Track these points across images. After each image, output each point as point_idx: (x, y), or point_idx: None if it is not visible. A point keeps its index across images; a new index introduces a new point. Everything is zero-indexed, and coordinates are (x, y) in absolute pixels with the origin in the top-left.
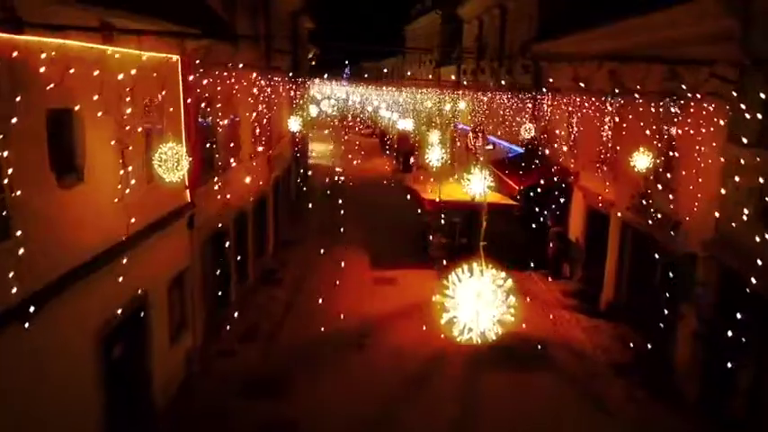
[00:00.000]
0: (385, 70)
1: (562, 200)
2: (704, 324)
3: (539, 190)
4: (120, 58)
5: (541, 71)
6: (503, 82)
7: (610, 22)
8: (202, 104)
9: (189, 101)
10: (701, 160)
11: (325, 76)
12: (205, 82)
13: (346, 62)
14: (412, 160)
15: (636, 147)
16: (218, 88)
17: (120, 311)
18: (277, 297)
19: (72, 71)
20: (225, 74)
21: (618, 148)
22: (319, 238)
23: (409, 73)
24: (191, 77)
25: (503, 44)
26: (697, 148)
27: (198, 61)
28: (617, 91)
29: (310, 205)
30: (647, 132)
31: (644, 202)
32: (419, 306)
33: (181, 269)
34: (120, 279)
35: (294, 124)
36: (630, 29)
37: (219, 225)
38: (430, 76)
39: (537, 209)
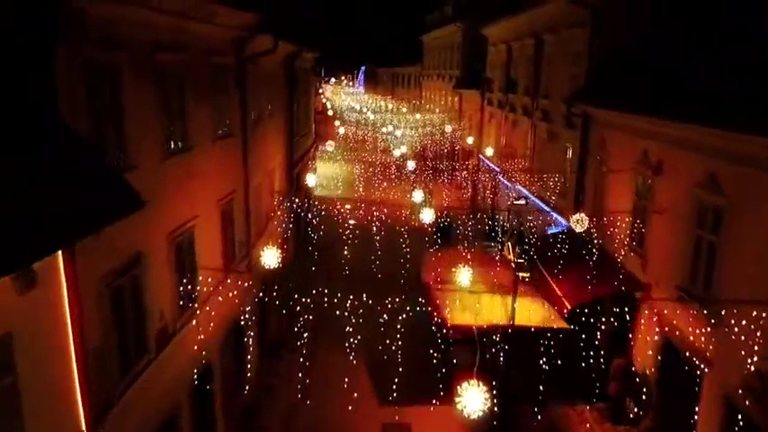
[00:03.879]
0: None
1: (625, 315)
2: None
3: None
4: None
5: (592, 131)
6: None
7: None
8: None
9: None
10: None
11: (342, 79)
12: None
13: (362, 67)
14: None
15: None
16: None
17: None
18: None
19: None
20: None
21: (722, 267)
22: (316, 343)
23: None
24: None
25: (538, 81)
26: None
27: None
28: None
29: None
30: None
31: None
32: None
33: None
34: None
35: (272, 258)
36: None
37: (165, 414)
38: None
39: (590, 325)
